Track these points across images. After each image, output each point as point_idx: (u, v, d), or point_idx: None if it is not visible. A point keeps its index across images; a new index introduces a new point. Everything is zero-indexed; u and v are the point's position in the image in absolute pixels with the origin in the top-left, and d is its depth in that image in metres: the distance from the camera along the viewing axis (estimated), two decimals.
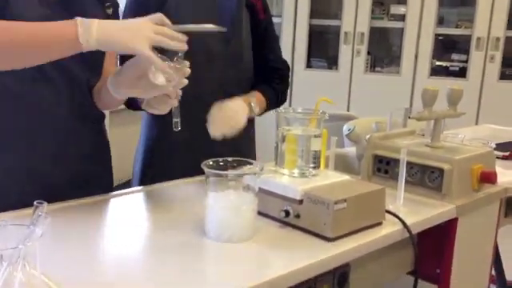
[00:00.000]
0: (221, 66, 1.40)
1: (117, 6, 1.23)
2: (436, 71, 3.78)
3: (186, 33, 0.99)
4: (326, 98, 1.24)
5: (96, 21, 0.93)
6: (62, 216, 1.04)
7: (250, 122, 1.56)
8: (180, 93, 1.09)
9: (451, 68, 3.81)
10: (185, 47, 0.98)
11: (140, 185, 1.46)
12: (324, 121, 1.09)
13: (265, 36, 1.48)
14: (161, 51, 0.98)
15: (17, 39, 0.92)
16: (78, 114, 1.16)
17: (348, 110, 3.74)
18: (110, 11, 1.20)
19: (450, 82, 3.46)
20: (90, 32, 0.92)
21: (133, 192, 1.24)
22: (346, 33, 3.78)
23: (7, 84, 1.06)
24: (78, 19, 0.93)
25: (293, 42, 3.89)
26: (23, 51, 0.93)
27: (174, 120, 1.12)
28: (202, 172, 1.26)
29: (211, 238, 0.96)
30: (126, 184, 1.52)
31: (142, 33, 0.93)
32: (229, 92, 1.39)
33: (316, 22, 3.95)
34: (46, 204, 0.72)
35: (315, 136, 1.07)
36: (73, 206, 1.10)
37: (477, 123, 3.40)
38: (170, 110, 1.11)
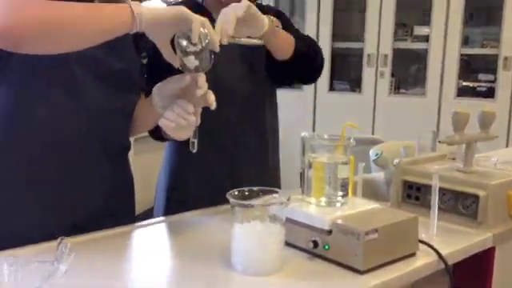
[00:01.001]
0: (242, 96, 1.38)
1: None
2: (462, 92, 3.71)
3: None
4: (351, 123, 1.21)
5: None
6: (85, 249, 1.02)
7: (275, 150, 1.54)
8: (200, 110, 1.08)
9: (478, 88, 3.73)
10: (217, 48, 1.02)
11: (163, 213, 1.45)
12: (351, 147, 1.06)
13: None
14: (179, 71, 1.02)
15: (72, 14, 0.91)
16: (107, 147, 1.15)
17: (373, 134, 3.68)
18: (144, 61, 1.22)
19: (477, 103, 3.39)
20: (142, 11, 0.95)
21: (156, 222, 1.22)
22: (369, 55, 3.75)
23: (41, 120, 1.05)
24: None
25: None
26: (79, 27, 0.93)
27: (191, 140, 1.09)
28: (226, 200, 1.25)
29: (238, 270, 0.92)
30: (149, 212, 1.50)
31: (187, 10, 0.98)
32: (250, 113, 1.37)
33: (338, 44, 3.93)
34: (69, 243, 0.70)
35: (343, 163, 1.04)
36: (95, 238, 1.08)
37: (507, 145, 3.31)
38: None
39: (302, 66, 1.37)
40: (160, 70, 1.31)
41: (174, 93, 1.09)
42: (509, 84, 3.47)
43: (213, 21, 1.07)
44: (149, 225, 1.19)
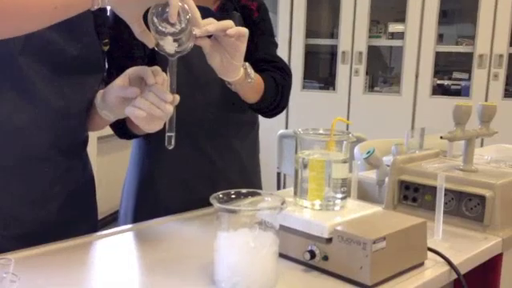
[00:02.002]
0: (217, 89, 1.23)
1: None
2: (437, 90, 3.66)
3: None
4: (342, 118, 1.08)
5: None
6: (36, 266, 0.85)
7: (256, 149, 1.39)
8: (178, 99, 0.92)
9: (453, 87, 3.69)
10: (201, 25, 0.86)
11: (132, 220, 1.28)
12: (352, 143, 0.92)
13: (257, 34, 1.30)
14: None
15: None
16: (61, 144, 0.98)
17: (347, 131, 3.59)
18: (106, 48, 1.05)
19: (452, 102, 3.33)
20: None
21: (122, 231, 1.05)
22: (343, 52, 3.66)
23: None
24: None
25: (288, 62, 3.76)
26: (24, 3, 0.77)
27: (168, 135, 0.91)
28: (204, 204, 1.09)
29: None
30: (113, 217, 1.33)
31: None
32: (229, 109, 1.22)
33: (311, 41, 3.83)
34: (12, 262, 0.53)
35: (343, 161, 0.90)
36: (49, 251, 0.91)
37: (482, 144, 3.27)
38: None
39: (262, 112, 1.26)
40: (121, 57, 1.14)
41: (118, 102, 0.94)
42: (484, 82, 3.44)
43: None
44: (113, 234, 1.03)
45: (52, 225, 0.97)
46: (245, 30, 0.94)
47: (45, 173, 0.96)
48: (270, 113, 1.28)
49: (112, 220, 1.15)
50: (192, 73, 1.17)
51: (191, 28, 0.85)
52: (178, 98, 0.92)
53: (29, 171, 0.94)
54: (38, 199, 0.96)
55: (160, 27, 0.83)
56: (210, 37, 0.94)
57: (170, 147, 0.91)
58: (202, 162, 1.24)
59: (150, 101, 0.89)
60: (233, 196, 0.81)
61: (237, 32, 0.92)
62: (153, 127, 0.93)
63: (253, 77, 1.08)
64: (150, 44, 0.86)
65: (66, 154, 0.99)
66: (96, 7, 0.82)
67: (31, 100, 0.92)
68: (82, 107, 1.01)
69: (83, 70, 0.99)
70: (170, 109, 0.90)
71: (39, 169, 0.95)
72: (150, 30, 0.85)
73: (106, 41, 1.06)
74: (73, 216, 1.01)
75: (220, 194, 0.80)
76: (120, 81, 0.93)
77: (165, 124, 0.93)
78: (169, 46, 0.85)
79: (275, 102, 1.24)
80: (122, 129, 1.14)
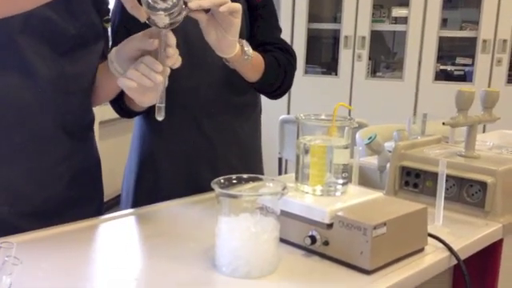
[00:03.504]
0: (217, 70, 1.23)
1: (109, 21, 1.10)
2: (440, 75, 3.64)
3: None
4: (344, 104, 1.08)
5: None
6: (46, 245, 0.86)
7: (257, 131, 1.39)
8: (169, 71, 0.93)
9: (456, 72, 3.67)
10: None
11: (133, 203, 1.29)
12: (353, 129, 0.92)
13: (260, 18, 1.28)
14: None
15: None
16: (65, 123, 0.98)
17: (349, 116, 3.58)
18: (107, 25, 1.07)
19: (455, 87, 3.32)
20: None
21: (124, 215, 1.06)
22: (346, 37, 3.63)
23: None
24: None
25: None
26: None
27: (158, 105, 0.92)
28: (205, 188, 1.09)
29: (224, 273, 0.78)
30: (115, 201, 1.34)
31: None
32: (229, 87, 1.23)
33: (314, 26, 3.80)
34: (14, 246, 0.54)
35: (344, 147, 0.90)
36: (58, 233, 0.92)
37: (484, 130, 3.26)
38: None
39: (265, 91, 1.26)
40: (127, 35, 1.15)
41: (135, 55, 0.94)
42: (487, 67, 3.42)
43: None
44: (115, 218, 1.03)
45: (58, 204, 0.98)
46: (238, 6, 0.95)
47: (50, 152, 0.97)
48: (273, 93, 1.27)
49: (114, 204, 1.16)
50: (192, 53, 1.17)
51: (183, 1, 0.85)
52: (168, 69, 0.93)
53: (34, 149, 0.95)
54: (44, 178, 0.97)
55: (152, 2, 0.83)
56: (207, 12, 0.94)
57: (160, 118, 0.92)
58: (203, 143, 1.24)
59: (140, 71, 0.90)
60: (234, 181, 0.82)
61: (228, 8, 0.93)
62: (146, 99, 0.95)
63: (250, 54, 1.08)
64: (142, 18, 0.86)
65: (70, 133, 1.00)
66: None
67: (33, 78, 0.93)
68: (83, 86, 1.02)
69: (83, 48, 0.99)
70: (160, 78, 0.90)
71: (44, 147, 0.96)
72: (141, 4, 0.85)
73: (107, 18, 1.06)
74: (79, 197, 1.02)
75: (221, 178, 0.80)
76: (142, 33, 0.94)
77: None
78: (160, 20, 0.86)
79: (277, 81, 1.23)
80: (122, 106, 1.14)
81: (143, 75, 0.90)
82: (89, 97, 1.05)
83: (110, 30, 1.13)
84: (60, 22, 0.93)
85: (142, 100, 0.95)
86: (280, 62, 1.22)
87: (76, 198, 1.03)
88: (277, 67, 1.21)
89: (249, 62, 1.09)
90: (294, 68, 1.29)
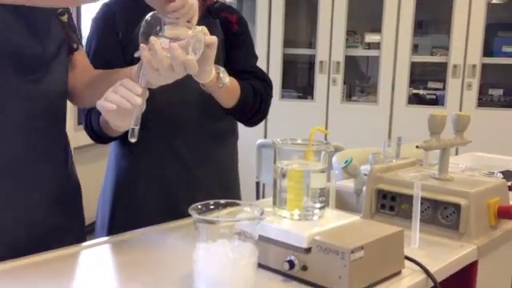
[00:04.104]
0: (194, 88, 1.23)
1: (68, 11, 1.08)
2: (413, 99, 3.72)
3: None
4: (320, 128, 1.09)
5: None
6: (18, 276, 0.84)
7: (235, 157, 1.39)
8: (147, 94, 0.94)
9: (428, 96, 3.75)
10: None
11: (108, 230, 1.27)
12: (330, 153, 0.93)
13: (237, 47, 1.31)
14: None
15: None
16: (35, 148, 0.97)
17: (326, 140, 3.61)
18: (64, 18, 1.05)
19: (428, 111, 3.38)
20: None
21: (99, 243, 1.04)
22: (321, 62, 3.69)
23: None
24: None
25: (267, 72, 3.77)
26: None
27: (131, 127, 0.92)
28: (182, 214, 1.08)
29: None
30: (90, 228, 1.31)
31: None
32: (209, 114, 1.23)
33: (289, 51, 3.85)
34: None
35: (321, 171, 0.91)
36: (31, 263, 0.90)
37: (457, 153, 3.32)
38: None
39: (241, 118, 1.27)
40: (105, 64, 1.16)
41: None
42: (458, 91, 3.51)
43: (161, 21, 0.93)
44: (90, 246, 1.01)
45: (37, 232, 0.96)
46: (214, 39, 0.97)
47: (22, 178, 0.95)
48: (250, 120, 1.28)
49: (89, 232, 1.15)
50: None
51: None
52: (147, 91, 0.94)
53: (5, 176, 0.93)
54: (19, 205, 0.95)
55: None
56: None
57: (133, 140, 0.92)
58: (179, 168, 1.24)
59: (119, 94, 0.91)
60: (212, 207, 0.81)
61: (206, 41, 0.95)
62: (122, 124, 0.95)
63: (225, 82, 1.10)
64: None
65: (43, 159, 0.98)
66: None
67: (1, 103, 0.91)
68: (52, 104, 1.00)
69: (48, 65, 0.98)
70: (139, 101, 0.91)
71: (16, 174, 0.94)
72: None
73: (61, 10, 1.05)
74: (58, 224, 1.00)
75: (199, 204, 0.80)
76: None
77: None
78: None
79: (253, 109, 1.25)
80: (97, 132, 1.13)
81: (123, 98, 0.91)
82: (60, 121, 1.04)
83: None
84: (23, 43, 0.93)
85: (119, 124, 0.95)
86: (256, 89, 1.24)
87: (55, 227, 1.01)
88: (253, 95, 1.23)
89: (224, 88, 1.10)
90: (270, 96, 1.31)
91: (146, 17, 0.92)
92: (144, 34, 0.91)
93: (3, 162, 0.92)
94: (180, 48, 0.89)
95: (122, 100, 0.90)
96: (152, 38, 0.89)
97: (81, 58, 1.11)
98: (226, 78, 1.10)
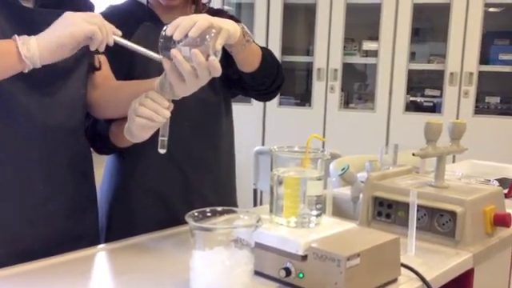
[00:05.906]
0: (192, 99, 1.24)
1: (93, 7, 1.09)
2: (410, 107, 3.73)
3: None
4: (317, 135, 1.10)
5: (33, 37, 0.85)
6: (19, 282, 0.84)
7: (232, 166, 1.39)
8: (172, 105, 0.96)
9: (426, 104, 3.76)
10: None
11: (105, 237, 1.26)
12: (326, 160, 0.94)
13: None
14: None
15: None
16: (51, 160, 0.98)
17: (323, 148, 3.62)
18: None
19: (425, 118, 3.40)
20: (30, 43, 0.84)
21: (96, 251, 1.04)
22: (319, 69, 3.71)
23: None
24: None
25: None
26: None
27: (161, 138, 0.95)
28: (179, 222, 1.08)
29: None
30: None
31: (76, 17, 0.86)
32: (206, 124, 1.24)
33: (287, 58, 3.87)
34: None
35: (317, 178, 0.91)
36: (28, 270, 0.90)
37: (454, 160, 3.33)
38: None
39: (263, 83, 1.25)
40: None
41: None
42: (455, 98, 3.52)
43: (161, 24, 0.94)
44: (88, 254, 1.01)
45: (52, 242, 0.97)
46: (218, 67, 0.93)
47: (38, 189, 0.96)
48: (269, 88, 1.26)
49: None
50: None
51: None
52: (172, 104, 0.96)
53: (22, 187, 0.94)
54: (34, 216, 0.96)
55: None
56: None
57: (163, 151, 0.95)
58: (176, 175, 1.24)
59: (149, 108, 0.93)
60: (208, 214, 0.82)
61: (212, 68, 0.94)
62: (146, 135, 0.98)
63: (250, 34, 1.08)
64: None
65: (60, 170, 0.99)
66: (27, 70, 0.86)
67: (14, 115, 0.92)
68: (67, 117, 1.01)
69: (63, 78, 1.00)
70: (168, 114, 0.94)
71: (32, 185, 0.94)
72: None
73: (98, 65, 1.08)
74: (74, 234, 1.01)
75: (195, 212, 0.80)
76: None
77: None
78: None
79: (273, 74, 1.23)
80: (103, 142, 1.14)
81: (153, 112, 0.93)
82: (77, 129, 1.05)
83: None
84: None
85: (143, 135, 0.98)
86: (273, 56, 1.24)
87: (71, 236, 1.02)
88: (271, 60, 1.22)
89: (250, 45, 1.08)
90: (282, 70, 1.30)
91: (162, 31, 0.92)
92: (164, 48, 0.91)
93: (19, 175, 0.93)
94: (201, 53, 0.89)
95: (153, 114, 0.93)
96: (173, 51, 0.89)
97: (103, 77, 1.11)
98: (249, 32, 1.08)
